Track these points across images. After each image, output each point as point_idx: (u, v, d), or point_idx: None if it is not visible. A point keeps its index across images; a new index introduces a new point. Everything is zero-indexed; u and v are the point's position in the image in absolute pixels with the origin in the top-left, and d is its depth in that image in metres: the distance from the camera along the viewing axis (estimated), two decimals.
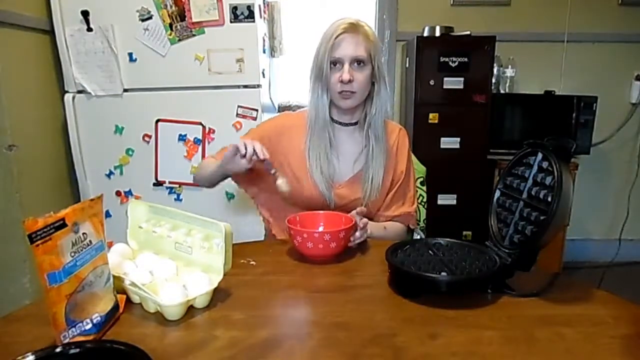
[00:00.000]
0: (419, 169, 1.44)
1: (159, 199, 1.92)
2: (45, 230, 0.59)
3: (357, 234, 1.04)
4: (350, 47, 1.11)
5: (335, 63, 1.13)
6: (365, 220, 1.07)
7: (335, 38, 1.11)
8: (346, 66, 1.12)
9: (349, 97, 1.14)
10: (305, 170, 1.19)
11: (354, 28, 1.13)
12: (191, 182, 1.90)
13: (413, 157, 1.42)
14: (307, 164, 1.18)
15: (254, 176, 1.21)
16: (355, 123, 1.23)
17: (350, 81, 1.11)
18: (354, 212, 1.09)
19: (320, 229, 1.06)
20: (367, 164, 1.20)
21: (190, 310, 0.74)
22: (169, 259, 0.84)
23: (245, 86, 1.85)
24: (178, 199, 1.93)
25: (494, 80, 2.40)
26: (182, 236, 0.85)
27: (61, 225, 0.61)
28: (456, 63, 2.24)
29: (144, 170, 1.90)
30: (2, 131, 1.61)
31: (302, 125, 1.21)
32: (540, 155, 0.84)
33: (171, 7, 1.76)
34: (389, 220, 1.25)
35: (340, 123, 1.23)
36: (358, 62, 1.12)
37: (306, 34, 2.55)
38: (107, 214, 1.92)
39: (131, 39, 1.79)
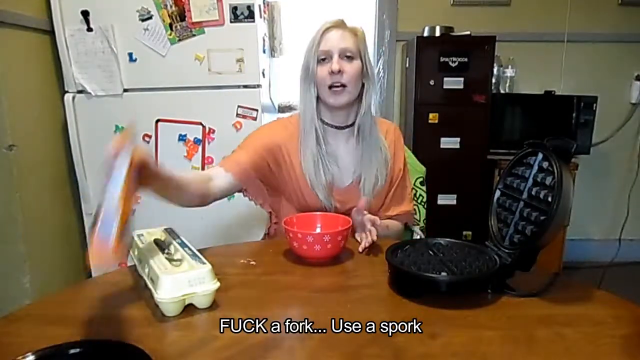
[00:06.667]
0: (419, 169, 1.44)
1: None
2: None
3: (369, 227, 1.00)
4: (337, 39, 1.11)
5: (324, 58, 1.12)
6: (370, 216, 1.02)
7: (322, 33, 1.11)
8: (335, 57, 1.10)
9: (340, 93, 1.11)
10: (303, 177, 1.16)
11: (340, 24, 1.13)
12: None
13: (413, 157, 1.42)
14: (303, 171, 1.15)
15: (259, 187, 1.21)
16: (351, 125, 1.19)
17: (340, 72, 1.09)
18: (359, 206, 1.06)
19: (318, 229, 1.06)
20: (363, 169, 1.18)
21: (190, 310, 0.74)
22: None
23: (245, 86, 1.84)
24: None
25: (494, 80, 2.40)
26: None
27: None
28: (456, 63, 2.24)
29: None
30: (2, 131, 1.61)
31: (297, 131, 1.18)
32: (540, 155, 0.84)
33: (171, 7, 1.76)
34: (389, 219, 1.24)
35: (336, 127, 1.18)
36: (347, 55, 1.11)
37: (306, 34, 2.54)
38: None
39: (131, 39, 1.79)
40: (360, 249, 1.01)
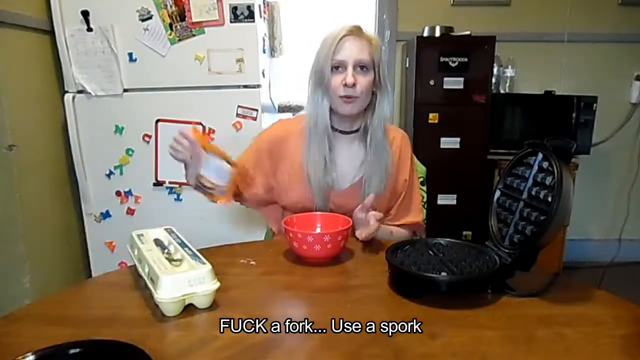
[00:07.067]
0: (419, 169, 1.43)
1: (159, 199, 1.92)
2: None
3: (372, 223, 1.01)
4: (354, 50, 1.09)
5: (338, 67, 1.10)
6: (374, 213, 1.03)
7: (339, 41, 1.08)
8: (349, 69, 1.08)
9: (350, 102, 1.11)
10: (301, 178, 1.16)
11: (357, 32, 1.10)
12: None
13: (413, 157, 1.41)
14: (304, 173, 1.15)
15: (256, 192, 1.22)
16: (356, 131, 1.19)
17: (353, 85, 1.08)
18: (365, 202, 1.05)
19: (318, 229, 1.06)
20: (366, 175, 1.17)
21: (191, 310, 0.74)
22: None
23: (245, 86, 1.84)
24: (178, 199, 1.93)
25: (494, 80, 2.39)
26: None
27: None
28: (456, 63, 2.24)
29: (144, 170, 1.90)
30: (2, 131, 1.61)
31: (299, 132, 1.18)
32: (540, 155, 0.84)
33: (171, 7, 1.76)
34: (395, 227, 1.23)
35: (340, 131, 1.18)
36: (361, 66, 1.10)
37: (306, 34, 2.55)
38: (107, 214, 1.92)
39: (131, 39, 1.79)
40: (357, 235, 1.02)
